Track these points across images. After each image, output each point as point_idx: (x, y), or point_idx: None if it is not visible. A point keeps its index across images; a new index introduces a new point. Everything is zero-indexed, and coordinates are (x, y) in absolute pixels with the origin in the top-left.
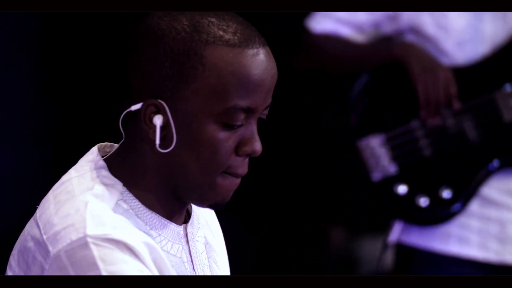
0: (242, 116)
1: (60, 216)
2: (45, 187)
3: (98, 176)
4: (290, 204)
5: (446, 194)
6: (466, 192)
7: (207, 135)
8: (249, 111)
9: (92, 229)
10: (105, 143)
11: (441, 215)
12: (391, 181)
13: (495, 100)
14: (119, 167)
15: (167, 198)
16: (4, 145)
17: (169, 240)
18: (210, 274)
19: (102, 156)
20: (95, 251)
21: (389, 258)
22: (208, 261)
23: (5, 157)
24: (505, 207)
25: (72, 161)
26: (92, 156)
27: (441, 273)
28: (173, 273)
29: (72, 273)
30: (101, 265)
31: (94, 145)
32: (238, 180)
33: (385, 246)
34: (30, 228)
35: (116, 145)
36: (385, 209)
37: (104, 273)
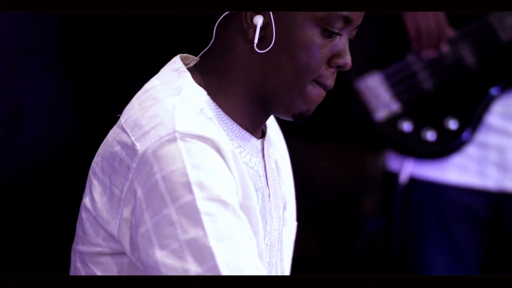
0: (340, 25)
1: (148, 117)
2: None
3: (183, 84)
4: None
5: (452, 124)
6: (472, 120)
7: (306, 38)
8: (347, 21)
9: (181, 125)
10: (186, 54)
11: (451, 146)
12: (394, 119)
13: (490, 23)
14: (204, 76)
15: (251, 108)
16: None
17: (248, 153)
18: (280, 191)
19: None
20: (182, 145)
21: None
22: (278, 179)
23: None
24: (505, 133)
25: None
26: (175, 65)
27: (440, 202)
28: (250, 184)
29: (156, 168)
30: (186, 157)
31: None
32: (324, 93)
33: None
34: (115, 135)
35: (197, 58)
36: (393, 148)
37: (187, 166)
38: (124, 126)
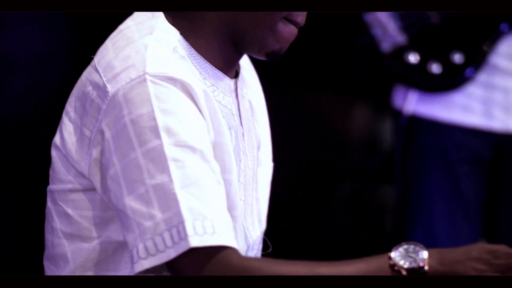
0: None
1: (120, 59)
2: None
3: (156, 23)
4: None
5: (457, 58)
6: (478, 55)
7: None
8: None
9: (151, 67)
10: None
11: (455, 81)
12: (401, 50)
13: None
14: (176, 17)
15: (223, 48)
16: None
17: (221, 91)
18: (254, 131)
19: None
20: (151, 88)
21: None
22: (252, 119)
23: None
24: (510, 74)
25: None
26: None
27: (443, 142)
28: (223, 122)
29: (125, 111)
30: (154, 101)
31: None
32: (296, 31)
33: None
34: (88, 74)
35: None
36: (399, 79)
37: (156, 110)
38: (97, 66)
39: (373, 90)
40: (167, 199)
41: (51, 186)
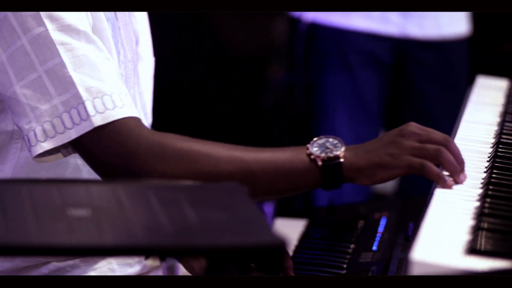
0: None
1: None
2: None
3: None
4: None
5: None
6: None
7: None
8: None
9: None
10: None
11: None
12: None
13: None
14: None
15: None
16: None
17: None
18: (131, 26)
19: None
20: None
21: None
22: (128, 14)
23: None
24: None
25: None
26: None
27: (343, 48)
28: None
29: None
30: None
31: None
32: None
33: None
34: None
35: None
36: None
37: None
38: None
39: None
40: (62, 82)
41: None
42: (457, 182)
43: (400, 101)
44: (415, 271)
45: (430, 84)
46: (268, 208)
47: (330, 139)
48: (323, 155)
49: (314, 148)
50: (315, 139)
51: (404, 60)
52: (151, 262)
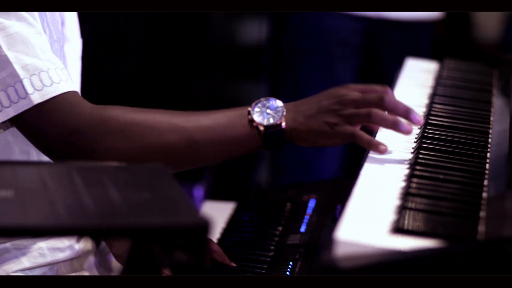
0: None
1: None
2: None
3: None
4: None
5: None
6: None
7: None
8: None
9: None
10: None
11: None
12: None
13: None
14: None
15: None
16: None
17: None
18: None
19: None
20: None
21: None
22: None
23: None
24: None
25: None
26: None
27: (317, 27)
28: None
29: None
30: None
31: None
32: None
33: None
34: None
35: None
36: None
37: None
38: None
39: None
40: None
41: None
42: (406, 130)
43: (371, 81)
44: (340, 250)
45: (396, 64)
46: (198, 191)
47: (271, 102)
48: (265, 122)
49: (256, 113)
50: (256, 101)
51: (377, 41)
52: (82, 246)
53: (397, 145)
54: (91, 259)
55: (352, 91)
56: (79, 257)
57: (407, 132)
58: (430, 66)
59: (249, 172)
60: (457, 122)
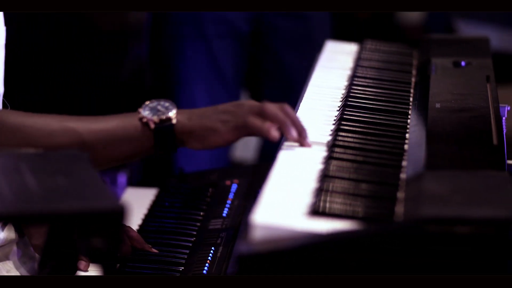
0: None
1: None
2: None
3: None
4: None
5: None
6: None
7: None
8: None
9: None
10: None
11: None
12: None
13: None
14: None
15: None
16: None
17: None
18: None
19: None
20: None
21: None
22: None
23: None
24: None
25: None
26: None
27: (199, 17)
28: None
29: None
30: None
31: None
32: None
33: None
34: None
35: None
36: None
37: None
38: None
39: None
40: None
41: None
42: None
43: (260, 69)
44: (258, 234)
45: (289, 51)
46: (122, 177)
47: (162, 102)
48: (155, 118)
49: (146, 112)
50: (146, 102)
51: (261, 29)
52: (6, 235)
53: (316, 128)
54: (15, 248)
55: (252, 102)
56: (3, 246)
57: (292, 138)
58: (350, 48)
59: (171, 158)
60: (376, 104)
